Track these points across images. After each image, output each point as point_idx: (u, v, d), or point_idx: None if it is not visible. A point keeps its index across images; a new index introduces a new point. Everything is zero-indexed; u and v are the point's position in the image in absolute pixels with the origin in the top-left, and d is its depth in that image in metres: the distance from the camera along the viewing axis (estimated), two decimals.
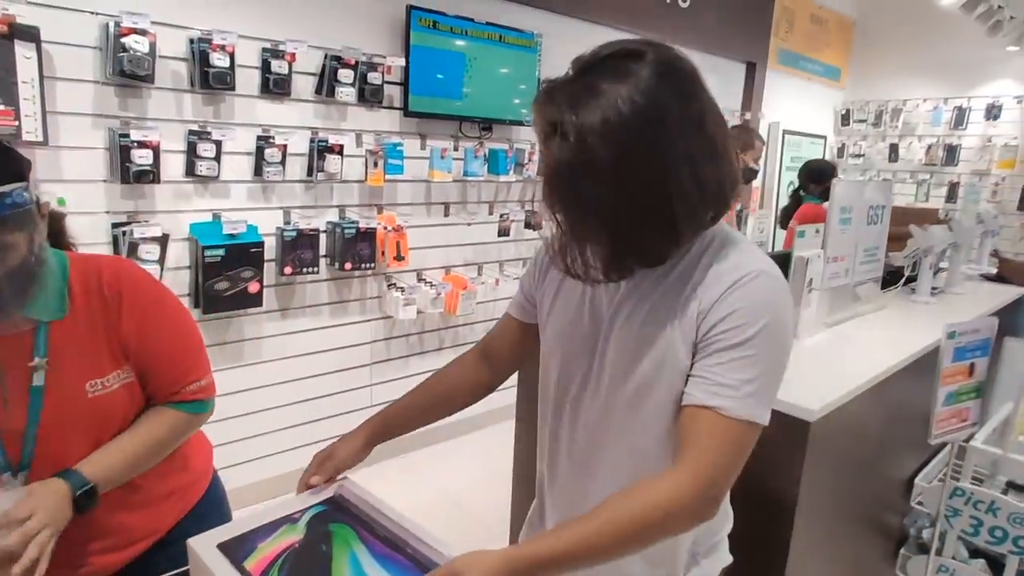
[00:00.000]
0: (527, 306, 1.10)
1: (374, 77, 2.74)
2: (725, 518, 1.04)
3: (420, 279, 3.18)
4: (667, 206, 0.79)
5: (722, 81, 4.74)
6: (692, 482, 0.79)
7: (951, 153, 5.59)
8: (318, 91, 2.64)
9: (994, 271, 3.10)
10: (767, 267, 0.85)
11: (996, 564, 1.89)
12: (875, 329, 2.04)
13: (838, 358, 1.78)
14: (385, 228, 2.85)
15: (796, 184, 3.56)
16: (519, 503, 2.12)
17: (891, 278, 2.44)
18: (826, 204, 1.97)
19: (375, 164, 2.76)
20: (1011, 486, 1.96)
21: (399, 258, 2.92)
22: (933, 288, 2.49)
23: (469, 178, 3.18)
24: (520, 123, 3.33)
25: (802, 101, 5.73)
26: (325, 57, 2.60)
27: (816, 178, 3.30)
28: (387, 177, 2.83)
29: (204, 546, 0.89)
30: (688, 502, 0.79)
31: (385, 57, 2.75)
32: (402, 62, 2.77)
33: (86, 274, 0.99)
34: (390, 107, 2.91)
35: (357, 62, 2.64)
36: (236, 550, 0.89)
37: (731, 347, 0.82)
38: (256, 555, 0.88)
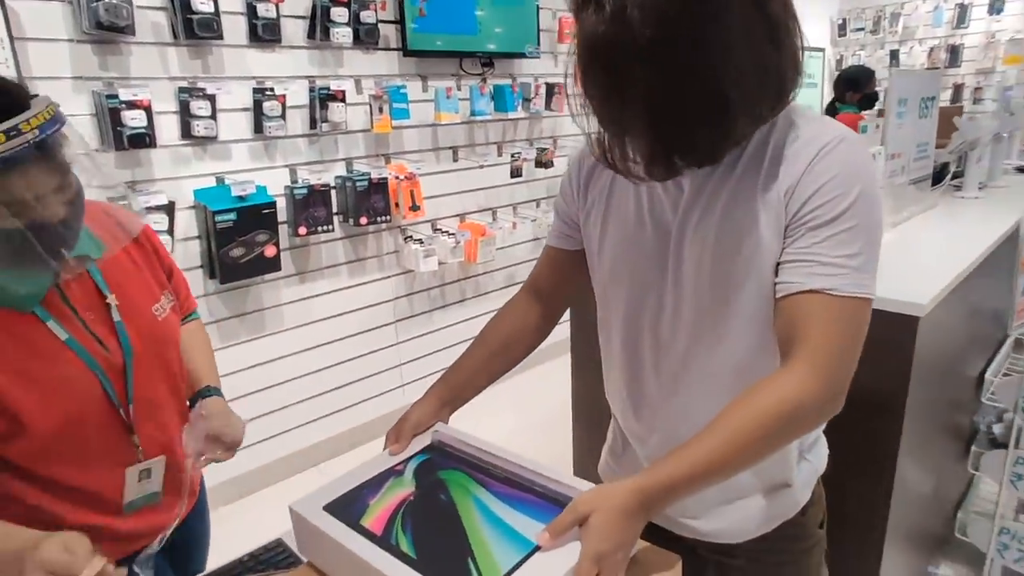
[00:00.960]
0: (570, 232, 1.01)
1: (367, 16, 2.53)
2: None
3: (435, 229, 3.04)
4: (718, 94, 0.67)
5: None
6: (815, 374, 0.72)
7: (954, 54, 5.42)
8: (311, 35, 2.44)
9: None
10: (846, 133, 0.77)
11: None
12: (936, 228, 1.96)
13: (914, 257, 1.70)
14: (397, 178, 2.69)
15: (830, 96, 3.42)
16: (581, 438, 2.06)
17: (935, 176, 2.34)
18: (864, 112, 1.84)
19: (380, 110, 2.58)
20: None
21: (415, 208, 2.78)
22: (979, 183, 2.39)
23: (477, 118, 3.01)
24: (523, 55, 3.14)
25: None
26: None
27: (852, 86, 3.13)
28: (394, 123, 2.65)
29: (310, 510, 0.79)
30: (816, 396, 0.72)
31: None
32: None
33: (93, 214, 0.93)
34: (386, 48, 2.71)
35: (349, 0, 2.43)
36: (346, 511, 0.79)
37: (828, 222, 0.73)
38: (370, 513, 0.79)
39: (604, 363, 1.05)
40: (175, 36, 2.12)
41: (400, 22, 2.66)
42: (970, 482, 2.33)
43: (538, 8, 3.13)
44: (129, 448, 0.98)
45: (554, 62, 3.41)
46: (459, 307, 3.28)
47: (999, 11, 5.22)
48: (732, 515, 0.93)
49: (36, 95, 0.81)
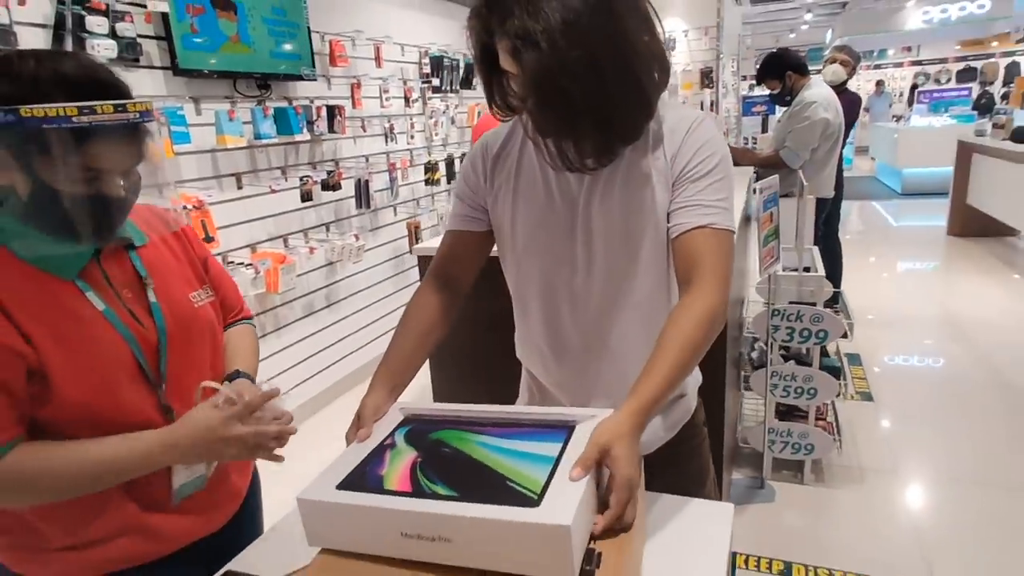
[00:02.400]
0: (476, 215, 1.12)
1: (124, 28, 2.25)
2: None
3: (228, 262, 2.80)
4: (638, 82, 0.90)
5: None
6: (716, 289, 0.92)
7: None
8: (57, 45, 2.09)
9: None
10: (702, 114, 1.04)
11: (801, 362, 2.48)
12: None
13: None
14: (185, 208, 2.43)
15: None
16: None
17: None
18: None
19: (159, 134, 2.31)
20: (792, 303, 2.56)
21: (208, 240, 2.53)
22: None
23: (263, 141, 2.85)
24: (299, 77, 3.07)
25: None
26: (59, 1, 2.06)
27: None
28: (175, 148, 2.40)
29: (325, 494, 0.76)
30: (719, 307, 0.92)
31: (145, 5, 2.29)
32: (164, 6, 2.33)
33: (138, 209, 0.99)
34: (150, 66, 2.44)
35: (108, 7, 2.15)
36: (363, 484, 0.78)
37: (705, 175, 0.97)
38: (388, 480, 0.79)
39: (519, 326, 1.17)
40: None
41: (168, 38, 2.42)
42: (741, 402, 2.92)
43: (309, 30, 3.09)
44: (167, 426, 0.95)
45: (327, 85, 3.39)
46: (261, 342, 3.05)
47: (672, 49, 6.57)
48: (646, 430, 1.12)
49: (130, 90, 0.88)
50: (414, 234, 4.14)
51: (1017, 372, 3.30)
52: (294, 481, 0.91)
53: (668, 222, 1.00)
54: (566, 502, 0.69)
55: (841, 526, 2.26)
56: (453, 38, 4.71)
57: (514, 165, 1.08)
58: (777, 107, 3.95)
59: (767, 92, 3.72)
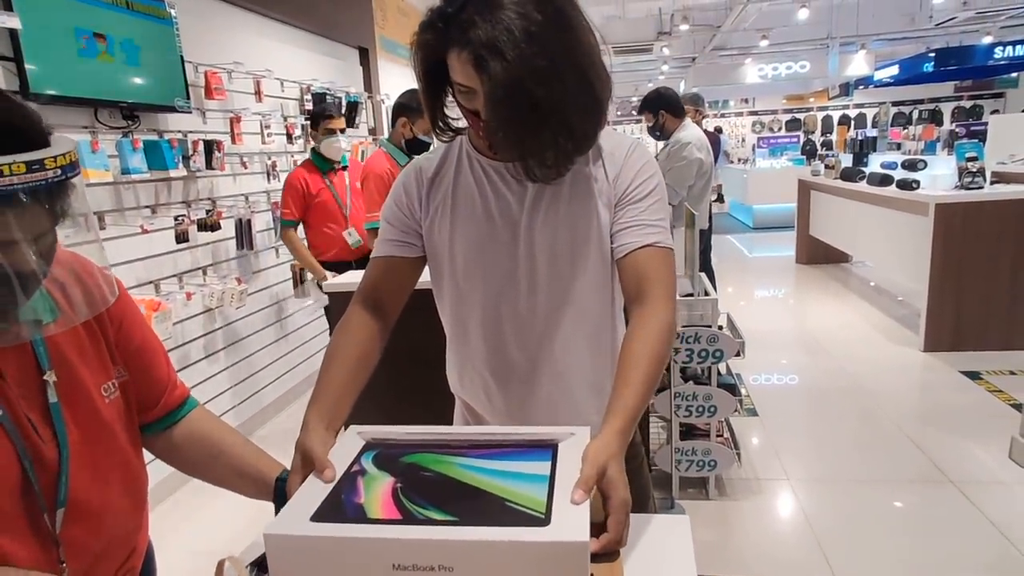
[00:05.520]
0: (409, 239, 1.09)
1: None
2: None
3: None
4: (594, 91, 0.93)
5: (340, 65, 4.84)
6: (667, 304, 0.96)
7: None
8: None
9: None
10: (634, 139, 1.09)
11: (698, 381, 2.61)
12: None
13: None
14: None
15: None
16: None
17: None
18: None
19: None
20: (685, 326, 2.70)
21: None
22: None
23: (132, 176, 2.58)
24: (172, 108, 2.84)
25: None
26: None
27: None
28: None
29: (298, 527, 0.66)
30: (672, 320, 0.96)
31: None
32: (15, 22, 2.05)
33: (59, 264, 0.76)
34: None
35: None
36: (341, 514, 0.69)
37: (646, 195, 1.02)
38: (371, 508, 0.70)
39: (457, 355, 1.13)
40: None
41: (16, 59, 2.14)
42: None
43: (182, 59, 2.88)
44: (51, 561, 0.77)
45: (203, 119, 3.16)
46: None
47: None
48: None
49: (52, 133, 0.70)
50: (299, 276, 3.92)
51: (868, 378, 3.71)
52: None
53: (612, 242, 1.01)
54: (576, 519, 0.65)
55: (749, 534, 2.37)
56: (336, 75, 4.62)
57: (450, 187, 1.05)
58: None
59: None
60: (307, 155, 3.47)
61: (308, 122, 3.68)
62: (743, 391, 3.61)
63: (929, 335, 4.02)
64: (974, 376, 3.61)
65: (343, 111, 4.39)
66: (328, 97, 4.21)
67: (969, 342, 3.96)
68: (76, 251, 0.78)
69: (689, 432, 2.68)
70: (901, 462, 2.79)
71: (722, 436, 2.75)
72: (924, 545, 2.23)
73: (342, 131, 3.33)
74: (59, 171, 0.65)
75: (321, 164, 3.31)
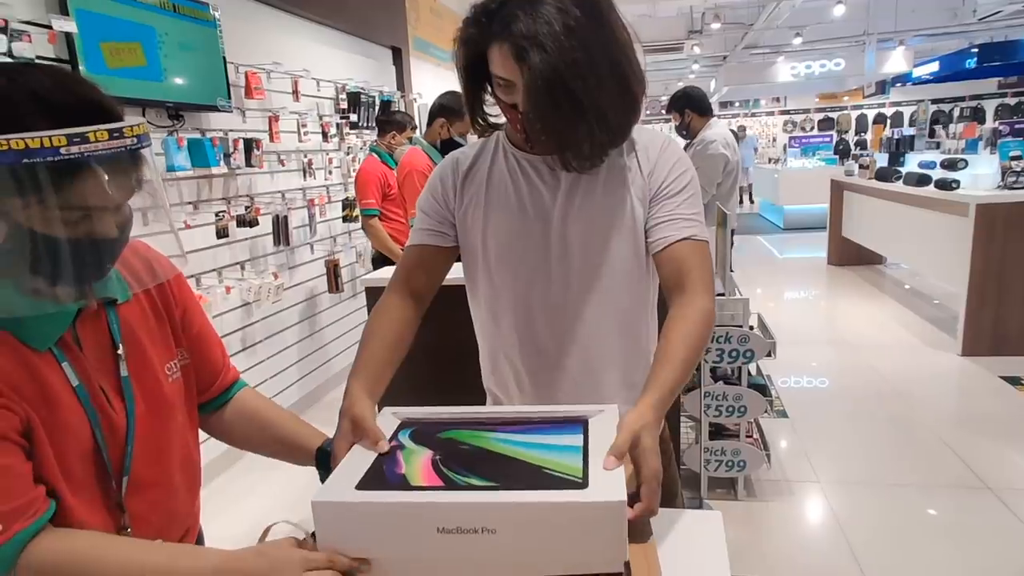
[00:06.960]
0: (444, 229, 1.12)
1: (21, 48, 2.06)
2: None
3: None
4: (629, 85, 0.96)
5: (376, 65, 4.92)
6: (706, 294, 0.99)
7: None
8: None
9: None
10: (666, 134, 1.12)
11: (728, 382, 2.60)
12: None
13: None
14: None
15: None
16: None
17: None
18: None
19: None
20: (717, 326, 2.69)
21: None
22: None
23: (177, 174, 2.67)
24: (214, 108, 2.92)
25: (448, 84, 6.31)
26: None
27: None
28: None
29: (345, 494, 0.69)
30: (711, 307, 0.99)
31: (50, 26, 2.10)
32: (71, 26, 2.15)
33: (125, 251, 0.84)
34: None
35: (7, 23, 1.96)
36: (385, 483, 0.72)
37: (682, 190, 1.04)
38: (412, 477, 0.73)
39: (489, 345, 1.16)
40: None
41: (72, 62, 2.24)
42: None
43: (224, 60, 2.97)
44: (116, 527, 0.83)
45: (242, 118, 3.25)
46: None
47: None
48: None
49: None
50: (333, 272, 4.00)
51: (902, 382, 3.64)
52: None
53: (648, 236, 1.04)
54: (614, 482, 0.67)
55: (778, 537, 2.36)
56: (370, 75, 4.69)
57: (484, 178, 1.09)
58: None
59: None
60: (364, 153, 3.80)
61: (377, 124, 3.85)
62: (773, 392, 3.58)
63: (967, 339, 3.93)
64: (1015, 382, 3.53)
65: (377, 110, 4.47)
66: (363, 96, 4.28)
67: (1009, 347, 3.86)
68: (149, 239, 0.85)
69: (718, 432, 2.67)
70: (936, 467, 2.74)
71: (752, 437, 2.73)
72: (960, 553, 2.19)
73: (409, 139, 3.70)
74: (136, 140, 0.72)
75: (390, 162, 3.63)
